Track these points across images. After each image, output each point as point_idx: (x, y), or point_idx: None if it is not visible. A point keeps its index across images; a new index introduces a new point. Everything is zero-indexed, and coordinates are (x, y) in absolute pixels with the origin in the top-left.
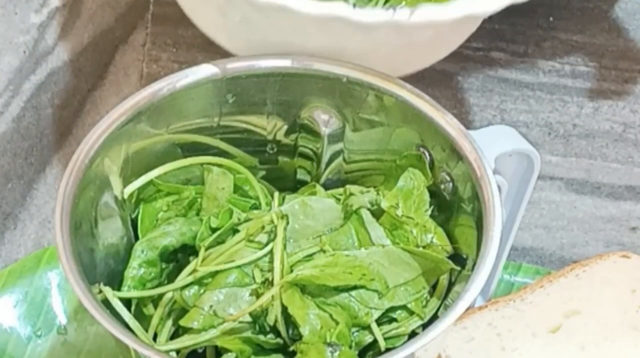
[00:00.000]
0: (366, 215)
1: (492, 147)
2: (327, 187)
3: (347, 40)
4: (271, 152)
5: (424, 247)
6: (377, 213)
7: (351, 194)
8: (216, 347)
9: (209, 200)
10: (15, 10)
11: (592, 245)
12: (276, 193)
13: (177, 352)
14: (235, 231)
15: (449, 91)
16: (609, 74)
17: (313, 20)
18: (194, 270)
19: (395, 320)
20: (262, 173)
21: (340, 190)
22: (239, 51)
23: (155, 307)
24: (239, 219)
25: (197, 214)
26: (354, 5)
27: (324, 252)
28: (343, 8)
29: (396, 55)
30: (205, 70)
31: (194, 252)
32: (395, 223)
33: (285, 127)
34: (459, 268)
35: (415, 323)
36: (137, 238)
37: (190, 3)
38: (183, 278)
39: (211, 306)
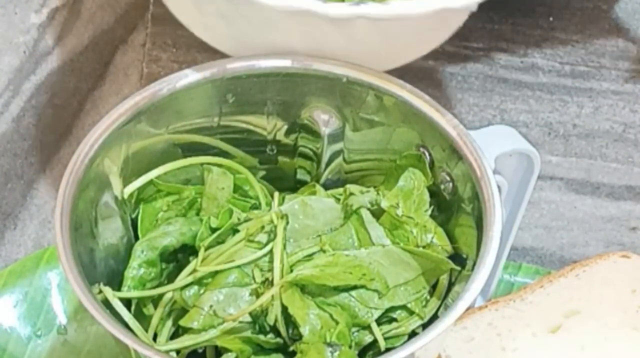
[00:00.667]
0: (366, 215)
1: (492, 147)
2: (327, 187)
3: (323, 35)
4: (271, 152)
5: (424, 247)
6: (377, 213)
7: (351, 194)
8: (216, 347)
9: (209, 200)
10: (15, 10)
11: (592, 245)
12: (276, 194)
13: (177, 352)
14: (235, 231)
15: (449, 91)
16: (609, 74)
17: (282, 14)
18: (194, 270)
19: (395, 320)
20: (262, 173)
21: (340, 190)
22: (219, 45)
23: (155, 307)
24: (239, 219)
25: (197, 214)
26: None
27: (324, 251)
28: (309, 1)
29: (378, 50)
30: (205, 70)
31: (194, 252)
32: (395, 223)
33: (285, 127)
34: (459, 268)
35: (415, 323)
36: (137, 238)
37: None
38: (183, 278)
39: (211, 306)
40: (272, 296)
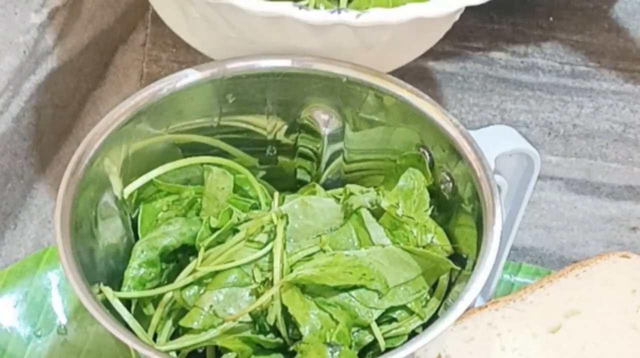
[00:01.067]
0: (366, 214)
1: (492, 147)
2: (327, 187)
3: (303, 41)
4: (271, 152)
5: (424, 247)
6: (377, 213)
7: (351, 194)
8: (216, 347)
9: (209, 200)
10: (15, 10)
11: (592, 245)
12: (276, 193)
13: (177, 352)
14: (235, 231)
15: (449, 91)
16: (609, 74)
17: (263, 19)
18: (194, 270)
19: (395, 320)
20: (262, 173)
21: (340, 190)
22: (202, 48)
23: (155, 307)
24: (238, 219)
25: (197, 214)
26: (300, 7)
27: (324, 251)
28: (289, 8)
29: (356, 56)
30: (205, 70)
31: (194, 252)
32: (395, 223)
33: (285, 127)
34: (459, 268)
35: (415, 323)
36: (137, 238)
37: None
38: (183, 278)
39: (211, 306)
40: (272, 296)
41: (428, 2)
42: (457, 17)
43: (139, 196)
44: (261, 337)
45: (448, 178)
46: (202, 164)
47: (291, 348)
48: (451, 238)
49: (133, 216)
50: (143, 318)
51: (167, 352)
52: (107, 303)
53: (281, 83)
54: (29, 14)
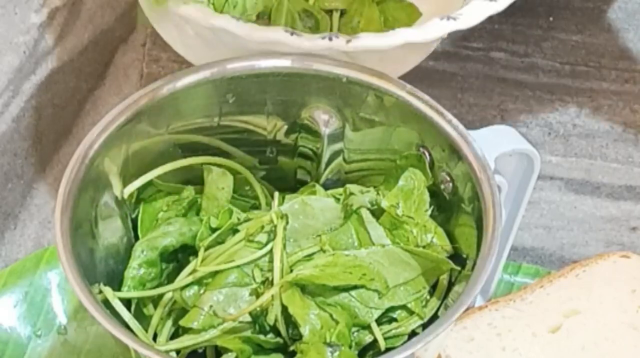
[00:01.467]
0: (366, 214)
1: (492, 147)
2: (327, 187)
3: None
4: (271, 152)
5: (424, 247)
6: (377, 213)
7: (351, 194)
8: (216, 347)
9: (209, 200)
10: (15, 10)
11: (592, 245)
12: (276, 193)
13: (177, 352)
14: (235, 231)
15: (449, 91)
16: (609, 74)
17: (255, 43)
18: (194, 270)
19: (395, 320)
20: (262, 173)
21: (340, 190)
22: (197, 62)
23: (155, 307)
24: (238, 219)
25: (197, 214)
26: (292, 33)
27: (324, 251)
28: (281, 34)
29: None
30: (205, 70)
31: (194, 252)
32: (395, 223)
33: (285, 127)
34: (459, 268)
35: (415, 323)
36: (137, 238)
37: (151, 13)
38: (183, 278)
39: (211, 306)
40: (272, 296)
41: (416, 25)
42: (445, 36)
43: (139, 196)
44: (261, 337)
45: (448, 178)
46: (202, 164)
47: (291, 348)
48: (451, 238)
49: (133, 216)
50: (143, 318)
51: (167, 352)
52: (107, 303)
53: (281, 83)
54: (29, 14)
